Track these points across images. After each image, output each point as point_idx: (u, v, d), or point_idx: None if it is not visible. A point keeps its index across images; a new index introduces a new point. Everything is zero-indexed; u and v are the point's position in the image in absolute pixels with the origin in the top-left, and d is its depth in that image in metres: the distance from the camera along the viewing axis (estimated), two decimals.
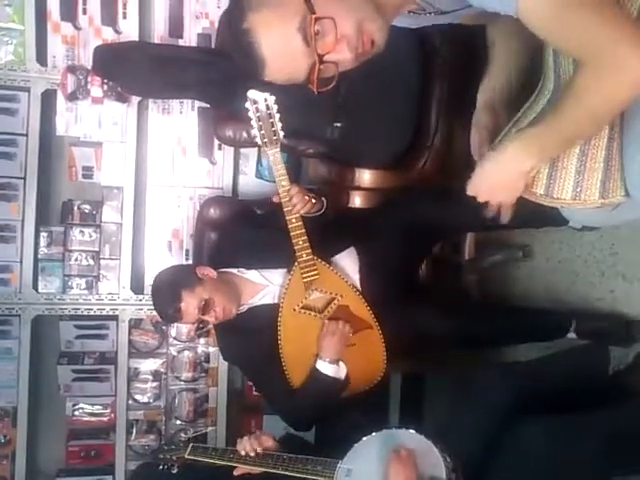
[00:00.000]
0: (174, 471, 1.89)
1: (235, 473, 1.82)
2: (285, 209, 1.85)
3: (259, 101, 1.74)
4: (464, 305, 2.24)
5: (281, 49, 1.06)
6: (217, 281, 1.98)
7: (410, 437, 1.61)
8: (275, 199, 1.88)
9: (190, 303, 1.92)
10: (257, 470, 1.78)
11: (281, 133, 1.79)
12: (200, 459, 1.89)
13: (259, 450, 1.77)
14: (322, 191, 2.07)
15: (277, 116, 1.76)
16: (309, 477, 1.69)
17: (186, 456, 1.89)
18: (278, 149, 1.81)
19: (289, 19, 1.03)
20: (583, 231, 2.10)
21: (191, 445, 1.91)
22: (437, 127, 2.16)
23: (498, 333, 2.13)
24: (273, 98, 1.74)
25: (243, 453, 1.79)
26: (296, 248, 1.89)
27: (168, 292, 1.97)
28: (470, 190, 1.29)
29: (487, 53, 1.36)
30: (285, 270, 2.01)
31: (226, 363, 2.63)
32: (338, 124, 2.12)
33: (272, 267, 2.05)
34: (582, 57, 1.02)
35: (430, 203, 2.04)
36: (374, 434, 1.68)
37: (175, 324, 2.66)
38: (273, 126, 1.77)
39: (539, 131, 1.14)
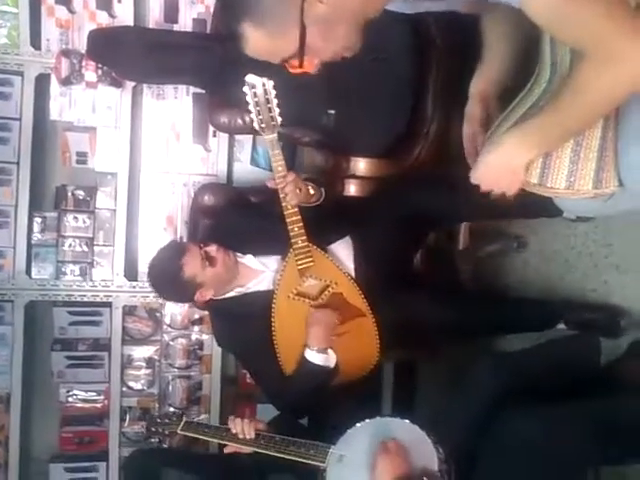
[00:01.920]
0: (165, 445, 1.90)
1: (225, 451, 1.83)
2: (281, 195, 1.85)
3: (257, 86, 1.73)
4: (457, 294, 2.24)
5: (262, 57, 1.11)
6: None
7: (404, 427, 1.61)
8: (270, 184, 1.87)
9: (194, 250, 1.95)
10: (248, 450, 1.78)
11: (279, 119, 1.77)
12: (192, 435, 1.89)
13: (249, 434, 1.77)
14: (320, 181, 2.06)
15: (275, 101, 1.75)
16: (301, 460, 1.69)
17: (178, 431, 1.89)
18: (275, 135, 1.80)
19: (279, 49, 1.08)
20: (577, 222, 2.10)
21: (184, 421, 1.91)
22: (433, 115, 2.15)
23: (491, 323, 2.13)
24: (271, 83, 1.72)
25: (234, 431, 1.79)
26: (291, 234, 1.89)
27: (173, 248, 2.02)
28: (473, 179, 1.28)
29: (481, 42, 1.35)
30: (280, 257, 2.01)
31: (220, 351, 2.63)
32: (332, 112, 2.11)
33: (268, 254, 2.05)
34: (583, 49, 1.01)
35: (425, 192, 2.03)
36: (368, 421, 1.68)
37: (169, 312, 2.66)
38: (271, 111, 1.76)
39: (538, 123, 1.14)
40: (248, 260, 2.06)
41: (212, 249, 1.97)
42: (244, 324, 2.01)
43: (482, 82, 1.37)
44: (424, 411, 2.44)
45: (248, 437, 1.78)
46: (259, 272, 2.05)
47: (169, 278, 1.98)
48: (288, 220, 1.87)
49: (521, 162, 1.20)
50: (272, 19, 1.04)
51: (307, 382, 1.95)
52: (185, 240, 2.55)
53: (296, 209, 1.86)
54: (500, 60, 1.35)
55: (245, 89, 1.73)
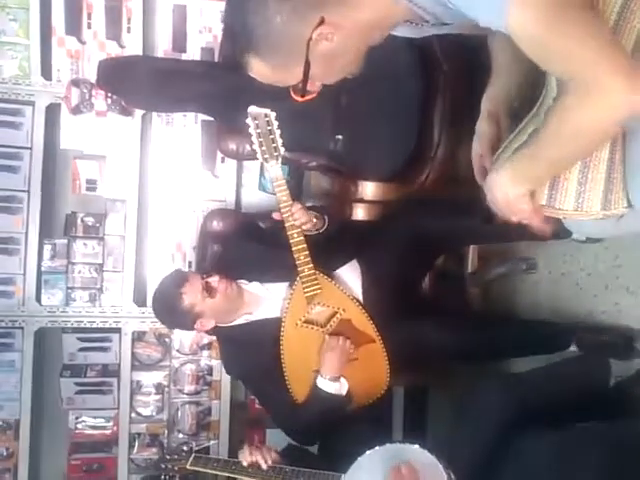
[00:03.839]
0: None
1: None
2: (286, 224, 1.85)
3: (259, 117, 1.75)
4: (467, 318, 2.23)
5: (266, 82, 1.12)
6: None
7: (414, 452, 1.59)
8: (276, 216, 1.88)
9: (195, 280, 1.95)
10: None
11: (282, 149, 1.79)
12: (201, 470, 1.88)
13: (261, 461, 1.76)
14: (323, 208, 2.07)
15: (277, 132, 1.77)
16: None
17: (188, 466, 1.88)
18: (279, 165, 1.82)
19: (283, 80, 1.10)
20: (587, 243, 2.09)
21: (193, 455, 1.90)
22: (440, 140, 2.16)
23: (501, 346, 2.12)
24: (274, 114, 1.74)
25: (245, 463, 1.78)
26: (297, 263, 1.89)
27: (174, 277, 2.01)
28: (492, 207, 1.28)
29: (489, 63, 1.35)
30: (288, 284, 2.01)
31: (229, 376, 2.62)
32: (340, 137, 2.13)
33: (275, 280, 2.05)
34: (564, 78, 1.01)
35: (433, 216, 2.04)
36: (377, 448, 1.66)
37: (179, 338, 2.66)
38: (274, 142, 1.78)
39: (524, 158, 1.13)
40: (254, 287, 2.05)
41: (214, 280, 1.96)
42: (252, 352, 2.01)
43: (491, 100, 1.37)
44: (435, 436, 2.41)
45: (259, 463, 1.76)
46: (266, 299, 2.05)
47: (168, 306, 1.99)
48: (294, 249, 1.87)
49: (513, 196, 1.17)
50: (277, 55, 1.06)
51: (319, 410, 1.95)
52: (194, 265, 2.56)
53: (302, 238, 1.87)
54: (509, 78, 1.34)
55: (248, 120, 1.75)
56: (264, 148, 1.79)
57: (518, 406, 1.63)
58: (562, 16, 0.94)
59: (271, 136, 1.77)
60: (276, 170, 1.82)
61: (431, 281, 2.26)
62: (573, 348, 2.04)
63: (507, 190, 1.18)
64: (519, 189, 1.16)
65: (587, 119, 0.99)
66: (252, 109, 1.74)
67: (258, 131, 1.77)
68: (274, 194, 1.88)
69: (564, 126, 1.03)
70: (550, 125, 1.05)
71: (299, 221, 1.85)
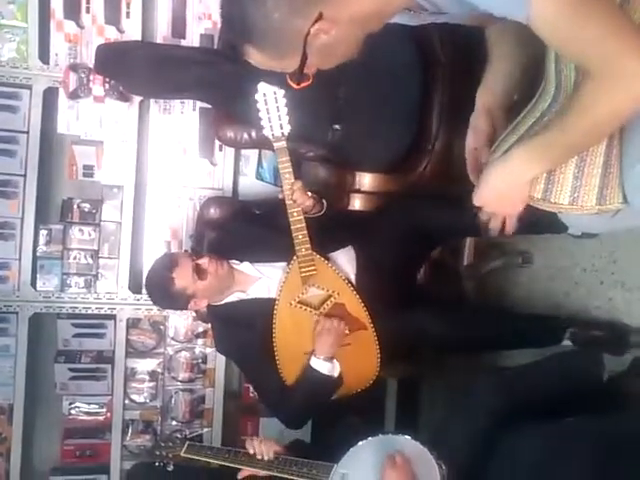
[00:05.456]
0: (169, 468, 1.90)
1: (239, 476, 1.82)
2: (287, 202, 1.87)
3: (268, 94, 1.77)
4: (461, 310, 2.24)
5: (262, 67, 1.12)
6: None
7: (406, 443, 1.60)
8: (281, 195, 1.90)
9: (186, 263, 1.97)
10: (262, 473, 1.78)
11: (288, 127, 1.82)
12: (195, 457, 1.89)
13: (270, 455, 1.77)
14: (322, 193, 2.08)
15: (285, 110, 1.80)
16: None
17: (182, 454, 1.90)
18: (284, 142, 1.84)
19: (280, 67, 1.10)
20: (583, 238, 2.10)
21: (187, 443, 1.91)
22: (438, 131, 2.16)
23: (495, 338, 2.13)
24: (282, 92, 1.76)
25: (252, 452, 1.79)
26: (295, 242, 1.91)
27: (164, 261, 2.05)
28: (477, 201, 1.27)
29: (486, 56, 1.35)
30: (283, 264, 2.02)
31: (223, 364, 2.63)
32: (338, 127, 2.13)
33: (266, 261, 2.06)
34: (590, 67, 1.02)
35: (429, 207, 2.04)
36: (370, 439, 1.67)
37: (173, 325, 2.67)
38: (280, 119, 1.81)
39: (543, 140, 1.14)
40: (244, 267, 2.07)
41: (204, 262, 1.98)
42: (244, 330, 2.03)
43: (487, 94, 1.36)
44: (428, 427, 2.42)
45: (266, 458, 1.77)
46: (255, 279, 2.06)
47: (161, 289, 2.03)
48: (293, 227, 1.89)
49: (523, 179, 1.19)
50: (275, 48, 1.06)
51: (310, 390, 1.96)
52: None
53: (301, 217, 1.89)
54: (505, 72, 1.34)
55: (257, 96, 1.78)
56: (271, 124, 1.82)
57: (510, 400, 1.64)
58: (584, 4, 0.96)
59: (278, 113, 1.81)
60: (282, 147, 1.85)
61: (427, 273, 2.26)
62: (566, 342, 2.05)
63: (521, 174, 1.18)
64: (534, 171, 1.18)
65: (611, 105, 1.02)
66: (262, 86, 1.77)
67: (266, 107, 1.80)
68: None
69: (587, 113, 1.04)
70: (572, 112, 1.07)
71: (298, 201, 1.86)
